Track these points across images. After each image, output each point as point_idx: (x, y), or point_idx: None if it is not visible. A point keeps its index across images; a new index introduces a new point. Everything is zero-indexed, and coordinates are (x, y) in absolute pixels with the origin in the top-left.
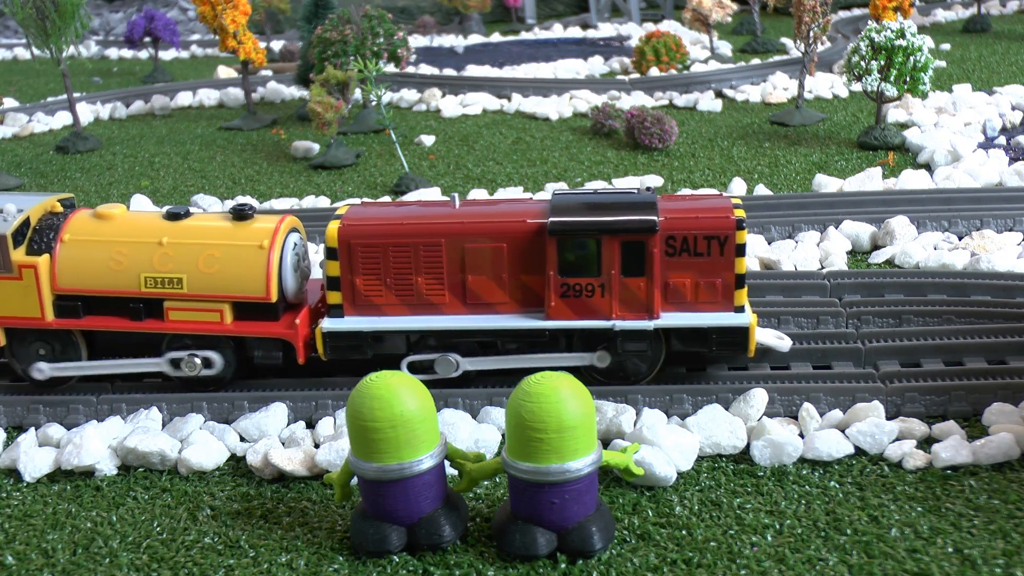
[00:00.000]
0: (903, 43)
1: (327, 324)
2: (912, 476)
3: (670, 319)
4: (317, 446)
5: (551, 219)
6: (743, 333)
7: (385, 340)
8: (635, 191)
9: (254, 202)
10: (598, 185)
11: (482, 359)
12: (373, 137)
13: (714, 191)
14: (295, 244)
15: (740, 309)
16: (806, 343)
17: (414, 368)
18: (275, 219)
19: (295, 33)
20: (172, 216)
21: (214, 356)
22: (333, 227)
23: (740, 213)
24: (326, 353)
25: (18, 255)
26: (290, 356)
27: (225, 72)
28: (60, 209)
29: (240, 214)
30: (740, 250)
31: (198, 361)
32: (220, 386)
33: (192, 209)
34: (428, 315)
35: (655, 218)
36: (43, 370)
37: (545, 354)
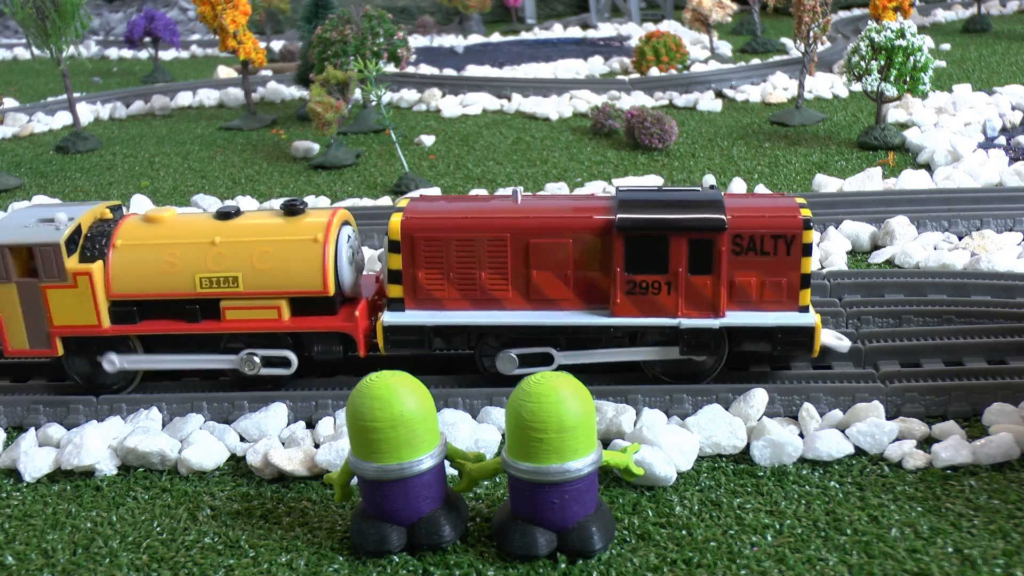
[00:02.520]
0: (903, 43)
1: (388, 317)
2: (912, 476)
3: (736, 318)
4: (317, 446)
5: (619, 215)
6: (809, 333)
7: (446, 335)
8: (699, 189)
9: (254, 202)
10: (599, 185)
11: (577, 352)
12: (373, 137)
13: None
14: (349, 237)
15: (804, 309)
16: None
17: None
18: (328, 212)
19: (295, 33)
20: (223, 215)
21: (290, 354)
22: (396, 220)
23: (807, 212)
24: (386, 347)
25: (72, 263)
26: (349, 351)
27: (225, 72)
28: (110, 215)
29: (291, 209)
30: (807, 250)
31: (257, 360)
32: (281, 384)
33: (241, 207)
34: (491, 310)
35: (724, 216)
36: (114, 361)
37: (639, 347)
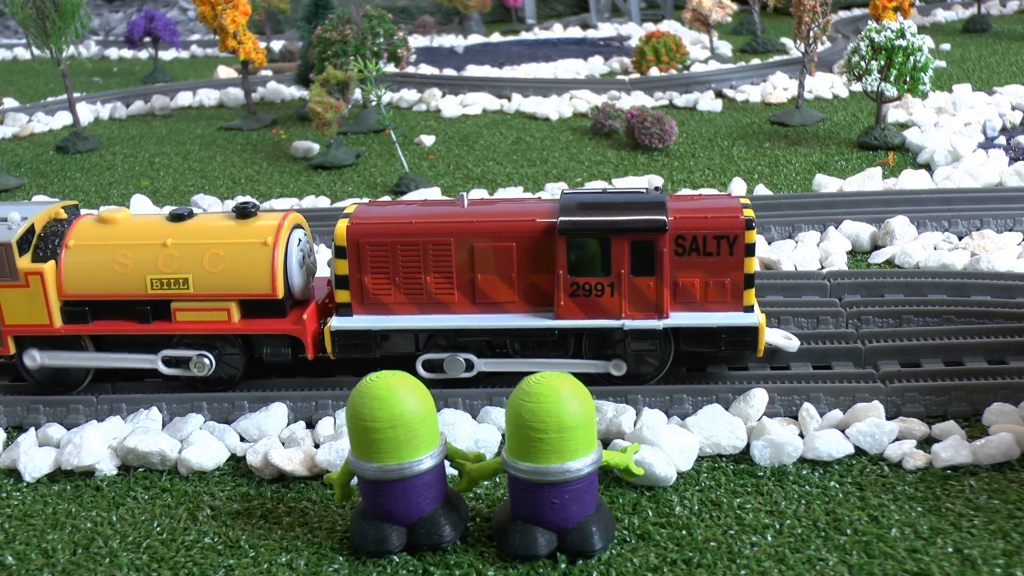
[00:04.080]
0: (903, 43)
1: (335, 323)
2: (912, 476)
3: (679, 319)
4: (317, 446)
5: (561, 218)
6: (752, 333)
7: (393, 339)
8: (644, 191)
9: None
10: (599, 185)
11: (497, 360)
12: (373, 137)
13: (714, 191)
14: (300, 240)
15: (749, 309)
16: (806, 343)
17: (428, 367)
18: (278, 216)
19: (295, 33)
20: (175, 217)
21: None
22: (342, 226)
23: (749, 213)
24: (334, 352)
25: (24, 262)
26: (298, 353)
27: (225, 72)
28: (64, 216)
29: (243, 212)
30: (749, 250)
31: (207, 361)
32: (230, 386)
33: (195, 210)
34: (437, 314)
35: (665, 218)
36: (35, 357)
37: (562, 360)
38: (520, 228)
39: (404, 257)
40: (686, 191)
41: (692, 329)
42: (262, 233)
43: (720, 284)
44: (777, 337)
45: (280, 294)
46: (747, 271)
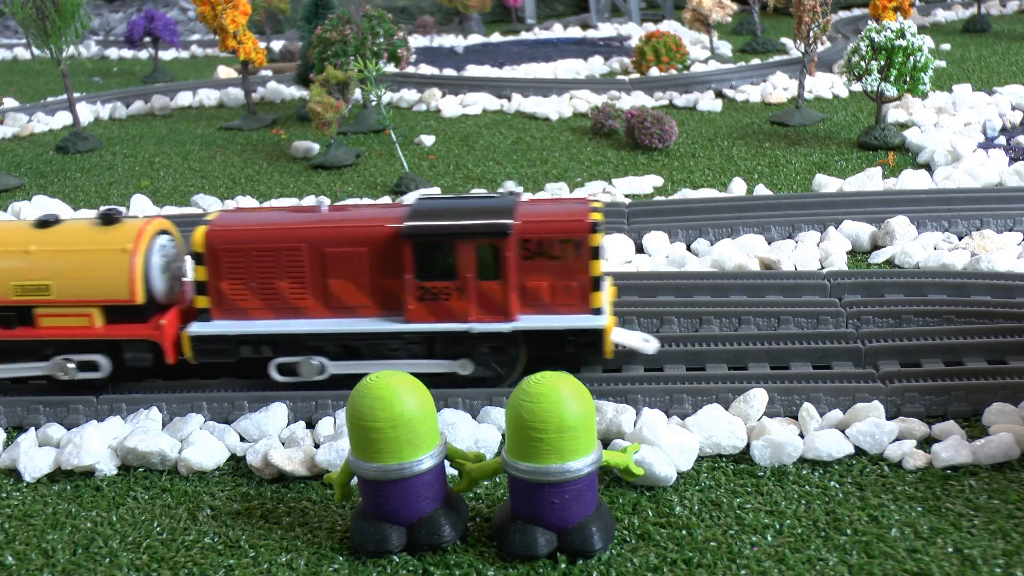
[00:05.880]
0: (903, 43)
1: (194, 328)
2: (912, 476)
3: (527, 321)
4: (317, 446)
5: (406, 224)
6: (599, 335)
7: (250, 343)
8: (498, 195)
9: (253, 202)
10: (598, 186)
11: (348, 363)
12: (373, 137)
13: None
14: (163, 246)
15: (597, 311)
16: (806, 343)
17: (283, 370)
18: (141, 222)
19: (295, 33)
20: (41, 224)
21: (101, 359)
22: (200, 232)
23: (597, 216)
24: (195, 356)
25: None
26: (162, 357)
27: (225, 72)
28: None
29: (107, 218)
30: (595, 253)
31: (72, 365)
32: (100, 389)
33: (62, 216)
34: (292, 319)
35: (508, 222)
36: None
37: (409, 360)
38: (370, 234)
39: (259, 263)
40: (687, 191)
41: (539, 331)
42: (122, 239)
43: (567, 287)
44: (635, 339)
45: (139, 299)
46: (594, 274)
